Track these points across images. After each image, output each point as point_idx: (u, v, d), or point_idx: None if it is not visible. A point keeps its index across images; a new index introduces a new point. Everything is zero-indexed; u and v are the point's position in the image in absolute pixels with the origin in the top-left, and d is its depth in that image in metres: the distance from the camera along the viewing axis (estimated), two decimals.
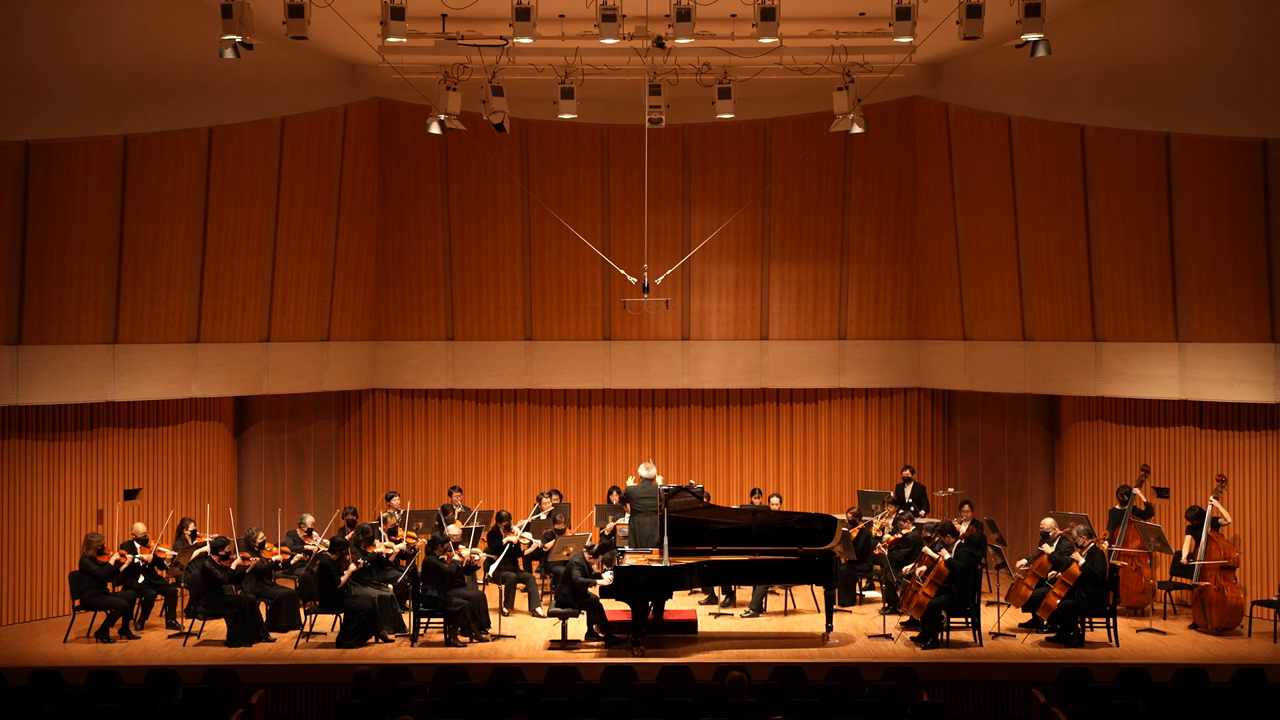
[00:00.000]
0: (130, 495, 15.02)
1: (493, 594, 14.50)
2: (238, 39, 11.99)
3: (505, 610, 14.39)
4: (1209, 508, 13.56)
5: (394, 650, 13.03)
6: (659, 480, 15.19)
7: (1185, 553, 13.74)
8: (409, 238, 17.11)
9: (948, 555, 13.08)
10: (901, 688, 10.84)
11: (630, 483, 15.31)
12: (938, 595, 13.03)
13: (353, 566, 13.27)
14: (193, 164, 14.77)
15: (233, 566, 13.25)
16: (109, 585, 13.52)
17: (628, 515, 14.99)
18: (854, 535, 14.59)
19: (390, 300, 17.25)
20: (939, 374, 17.08)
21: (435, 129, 14.25)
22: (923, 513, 15.66)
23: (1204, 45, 13.74)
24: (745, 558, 13.44)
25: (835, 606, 13.62)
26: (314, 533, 14.58)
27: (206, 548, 13.41)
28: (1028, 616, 13.58)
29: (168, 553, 13.89)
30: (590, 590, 13.22)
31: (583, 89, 14.66)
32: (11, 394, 13.80)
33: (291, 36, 12.16)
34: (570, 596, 13.18)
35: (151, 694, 9.43)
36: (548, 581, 14.61)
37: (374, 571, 13.79)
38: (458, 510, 15.11)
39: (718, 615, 14.40)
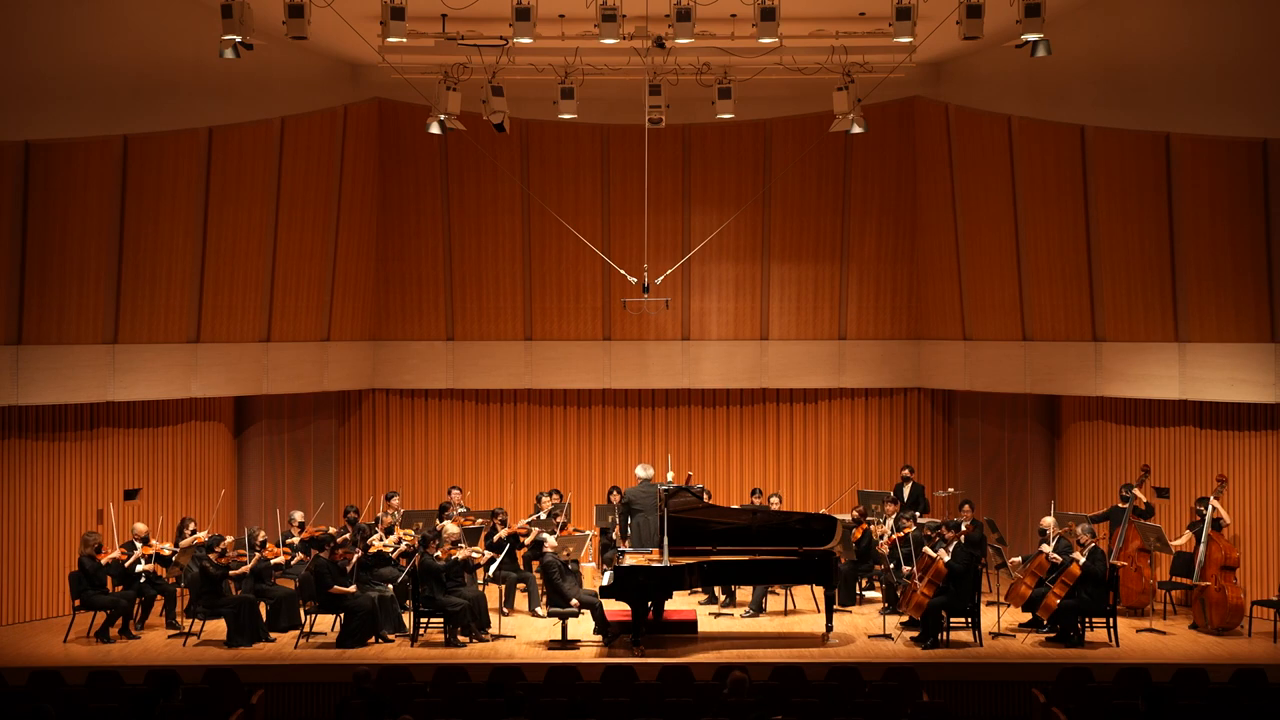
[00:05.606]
0: (130, 495, 15.01)
1: (493, 594, 14.50)
2: (238, 39, 11.99)
3: (505, 610, 14.39)
4: (1209, 508, 13.57)
5: (394, 650, 13.03)
6: (668, 476, 15.20)
7: (1182, 542, 13.77)
8: (409, 238, 17.11)
9: (946, 556, 13.08)
10: (901, 688, 10.84)
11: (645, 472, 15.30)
12: (937, 595, 13.03)
13: (356, 557, 13.37)
14: (193, 164, 14.77)
15: (227, 560, 13.27)
16: (109, 583, 13.53)
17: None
18: (857, 535, 14.60)
19: (390, 300, 17.24)
20: (939, 374, 17.08)
21: (435, 129, 14.25)
22: (926, 515, 15.64)
23: (1203, 45, 13.73)
24: (745, 558, 13.43)
25: (835, 606, 13.62)
26: (305, 525, 14.65)
27: (202, 536, 13.47)
28: (1028, 616, 13.58)
29: (169, 549, 13.90)
30: (567, 589, 13.20)
31: (583, 89, 14.66)
32: (11, 394, 13.80)
33: (291, 36, 12.17)
34: (554, 596, 13.20)
35: (151, 694, 9.45)
36: None
37: (373, 569, 13.80)
38: (459, 509, 15.11)
39: (718, 615, 14.40)
